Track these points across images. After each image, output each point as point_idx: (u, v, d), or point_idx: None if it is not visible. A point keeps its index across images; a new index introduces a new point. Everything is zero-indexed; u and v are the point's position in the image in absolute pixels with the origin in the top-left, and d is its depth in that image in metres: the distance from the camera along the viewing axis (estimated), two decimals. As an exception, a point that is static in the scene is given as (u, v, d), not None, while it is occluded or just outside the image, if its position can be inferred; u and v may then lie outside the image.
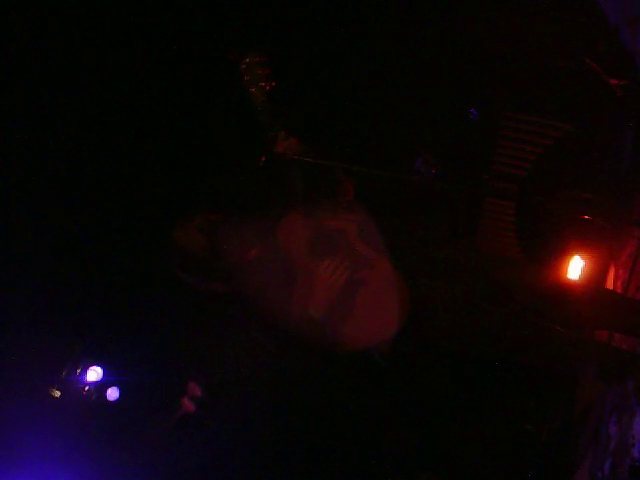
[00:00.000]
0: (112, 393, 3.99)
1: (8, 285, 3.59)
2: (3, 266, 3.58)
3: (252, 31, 3.55)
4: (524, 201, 4.72)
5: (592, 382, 4.11)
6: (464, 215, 4.74)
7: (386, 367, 3.15)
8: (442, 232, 4.51)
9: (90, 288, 3.86)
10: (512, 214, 4.77)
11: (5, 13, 3.09)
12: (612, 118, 4.48)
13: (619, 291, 4.37)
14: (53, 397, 3.91)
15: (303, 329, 2.88)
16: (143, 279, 3.80)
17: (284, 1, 3.70)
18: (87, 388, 3.97)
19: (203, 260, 2.91)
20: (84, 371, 3.97)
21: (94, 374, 3.98)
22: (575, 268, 4.45)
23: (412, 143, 4.49)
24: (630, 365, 3.22)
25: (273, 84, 2.88)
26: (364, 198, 3.14)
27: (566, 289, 3.44)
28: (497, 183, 4.69)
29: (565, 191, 4.44)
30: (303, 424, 3.89)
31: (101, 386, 3.98)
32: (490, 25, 4.30)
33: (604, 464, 3.94)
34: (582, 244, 4.43)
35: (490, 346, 3.18)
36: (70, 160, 3.54)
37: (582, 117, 4.48)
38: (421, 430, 4.14)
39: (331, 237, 2.93)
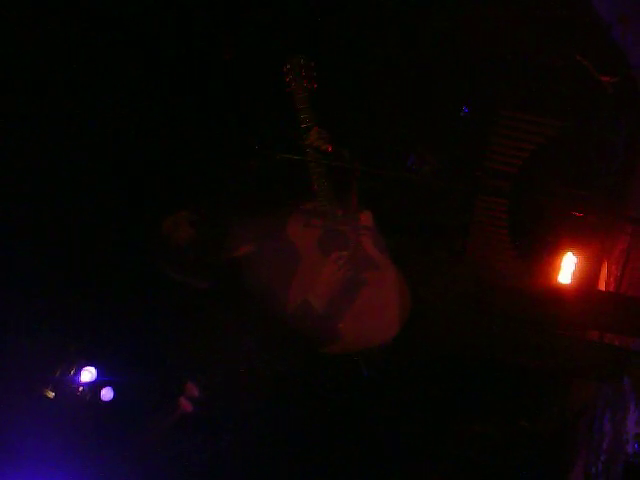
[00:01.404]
0: (106, 393, 3.97)
1: (2, 286, 3.57)
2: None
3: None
4: (516, 198, 4.73)
5: (586, 381, 4.14)
6: (457, 212, 4.75)
7: (369, 377, 3.17)
8: (434, 230, 4.52)
9: (84, 288, 3.84)
10: (504, 211, 4.78)
11: (5, 13, 3.07)
12: (604, 115, 4.49)
13: (612, 287, 4.39)
14: (47, 398, 3.88)
15: (301, 319, 2.89)
16: (138, 279, 3.78)
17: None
18: (81, 388, 3.94)
19: (192, 254, 2.89)
20: (78, 371, 3.95)
21: (88, 374, 3.95)
22: (568, 265, 4.47)
23: (405, 140, 4.49)
24: (626, 363, 3.24)
25: (315, 86, 2.91)
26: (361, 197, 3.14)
27: (557, 292, 3.47)
28: (490, 180, 4.69)
29: (558, 188, 4.46)
30: (302, 424, 3.89)
31: (95, 386, 3.96)
32: (483, 24, 4.30)
33: (598, 461, 3.96)
34: (575, 241, 4.45)
35: (486, 348, 3.20)
36: (68, 159, 3.53)
37: (574, 114, 4.49)
38: (419, 429, 4.14)
39: (343, 234, 2.95)
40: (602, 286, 4.51)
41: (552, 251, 4.50)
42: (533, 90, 4.50)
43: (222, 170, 3.72)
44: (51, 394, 3.88)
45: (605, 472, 3.92)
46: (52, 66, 3.33)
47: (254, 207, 3.08)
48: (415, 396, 3.95)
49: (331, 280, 2.91)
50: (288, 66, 2.97)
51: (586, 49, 4.33)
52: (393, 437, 4.06)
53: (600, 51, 4.35)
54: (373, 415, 3.97)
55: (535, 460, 4.14)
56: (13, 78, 3.24)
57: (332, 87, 4.03)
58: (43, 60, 3.29)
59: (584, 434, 4.13)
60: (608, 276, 4.51)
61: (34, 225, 3.57)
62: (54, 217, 3.62)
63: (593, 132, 4.49)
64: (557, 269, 4.49)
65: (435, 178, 4.45)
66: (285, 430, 3.85)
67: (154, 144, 3.62)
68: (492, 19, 4.31)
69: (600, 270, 4.56)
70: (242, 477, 3.93)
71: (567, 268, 4.47)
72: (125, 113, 3.54)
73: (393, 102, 4.37)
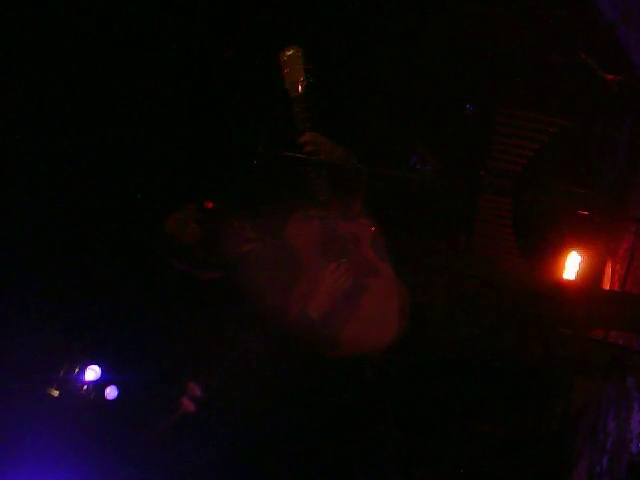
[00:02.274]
0: (110, 392, 3.99)
1: (6, 285, 3.59)
2: (1, 266, 3.57)
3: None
4: (520, 197, 4.72)
5: (589, 380, 4.12)
6: (461, 211, 4.75)
7: (373, 379, 3.16)
8: (438, 229, 4.52)
9: (89, 287, 3.86)
10: (508, 210, 4.77)
11: (5, 13, 3.09)
12: (608, 114, 4.48)
13: (616, 286, 4.38)
14: (51, 396, 3.90)
15: (300, 329, 2.88)
16: (142, 278, 3.80)
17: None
18: (85, 387, 3.97)
19: (196, 250, 2.89)
20: (82, 370, 3.97)
21: (92, 373, 3.98)
22: (572, 263, 4.46)
23: (408, 140, 4.48)
24: (630, 362, 3.22)
25: (311, 80, 2.86)
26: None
27: (562, 289, 3.45)
28: (493, 179, 4.69)
29: (561, 187, 4.44)
30: (302, 424, 3.90)
31: (99, 385, 3.98)
32: (486, 21, 4.29)
33: (602, 460, 3.95)
34: (579, 239, 4.43)
35: (488, 346, 3.18)
36: (68, 158, 3.54)
37: (578, 113, 4.48)
38: (419, 428, 4.14)
39: (343, 240, 2.92)
40: (606, 285, 4.49)
41: (556, 250, 4.49)
42: (536, 88, 4.48)
43: (224, 169, 3.73)
44: (55, 393, 3.91)
45: (609, 471, 3.91)
46: (52, 66, 3.34)
47: (257, 206, 3.08)
48: (416, 396, 3.95)
49: (330, 291, 2.88)
50: (284, 59, 2.91)
51: (590, 47, 4.31)
52: (394, 437, 4.05)
53: (604, 49, 4.34)
54: (374, 415, 3.97)
55: (538, 459, 4.13)
56: (14, 78, 3.25)
57: (334, 87, 4.05)
58: (43, 60, 3.31)
59: (588, 433, 4.11)
60: (612, 275, 4.49)
61: (38, 224, 3.59)
62: (56, 216, 3.64)
63: (597, 131, 4.47)
64: (561, 268, 4.47)
65: (438, 178, 4.44)
66: (286, 430, 3.86)
67: (155, 143, 3.63)
68: (495, 18, 4.30)
69: (604, 269, 4.55)
70: (244, 477, 3.94)
71: (571, 267, 4.46)
72: (126, 113, 3.56)
73: (395, 102, 4.37)
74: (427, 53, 4.27)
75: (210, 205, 2.96)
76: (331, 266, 2.88)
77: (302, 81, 2.86)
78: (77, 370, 3.97)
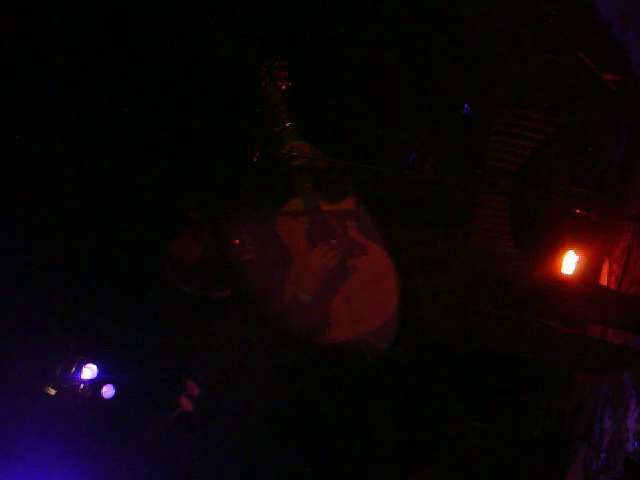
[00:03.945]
0: (107, 391, 3.99)
1: (4, 284, 3.59)
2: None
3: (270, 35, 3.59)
4: (517, 196, 4.72)
5: (586, 377, 4.13)
6: (458, 210, 4.75)
7: (375, 364, 3.15)
8: (436, 227, 4.52)
9: (86, 286, 3.86)
10: (505, 209, 4.77)
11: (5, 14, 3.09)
12: (605, 113, 4.48)
13: (613, 286, 4.38)
14: (48, 395, 3.90)
15: (293, 314, 2.89)
16: (139, 277, 3.80)
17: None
18: (82, 386, 3.97)
19: (203, 268, 2.92)
20: (79, 369, 3.97)
21: (89, 372, 3.98)
22: (569, 263, 4.46)
23: (405, 138, 4.49)
24: (625, 359, 3.23)
25: (290, 84, 2.90)
26: (359, 194, 3.14)
27: (560, 285, 3.45)
28: (490, 178, 4.69)
29: (559, 186, 4.44)
30: (299, 423, 3.90)
31: (96, 384, 3.98)
32: (484, 20, 4.29)
33: (598, 458, 3.95)
34: (576, 239, 4.43)
35: (484, 342, 3.19)
36: (69, 162, 3.55)
37: (575, 112, 4.48)
38: (417, 427, 4.15)
39: (327, 222, 2.95)
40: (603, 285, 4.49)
41: (553, 249, 4.49)
42: (534, 87, 4.49)
43: (221, 168, 3.74)
44: (52, 391, 3.91)
45: (605, 470, 3.91)
46: (51, 66, 3.34)
47: (251, 207, 3.09)
48: (410, 393, 3.95)
49: (317, 271, 2.91)
50: (264, 69, 2.96)
51: (587, 47, 4.31)
52: (393, 436, 4.06)
53: (601, 49, 4.34)
54: (373, 414, 3.98)
55: (535, 458, 4.14)
56: (13, 77, 3.25)
57: (333, 87, 4.06)
58: (42, 59, 3.30)
59: (584, 432, 4.12)
60: (609, 275, 4.49)
61: (36, 225, 3.59)
62: (57, 217, 3.64)
63: (594, 130, 4.48)
64: (558, 267, 4.47)
65: (436, 176, 4.45)
66: (283, 429, 3.86)
67: (154, 143, 3.63)
68: (494, 16, 4.30)
69: (601, 269, 4.55)
70: (240, 476, 3.95)
71: (568, 266, 4.46)
72: (123, 113, 3.56)
73: (394, 101, 4.38)
74: (425, 52, 4.27)
75: (207, 225, 2.99)
76: (316, 247, 2.91)
77: (280, 87, 2.91)
78: (74, 369, 3.97)
